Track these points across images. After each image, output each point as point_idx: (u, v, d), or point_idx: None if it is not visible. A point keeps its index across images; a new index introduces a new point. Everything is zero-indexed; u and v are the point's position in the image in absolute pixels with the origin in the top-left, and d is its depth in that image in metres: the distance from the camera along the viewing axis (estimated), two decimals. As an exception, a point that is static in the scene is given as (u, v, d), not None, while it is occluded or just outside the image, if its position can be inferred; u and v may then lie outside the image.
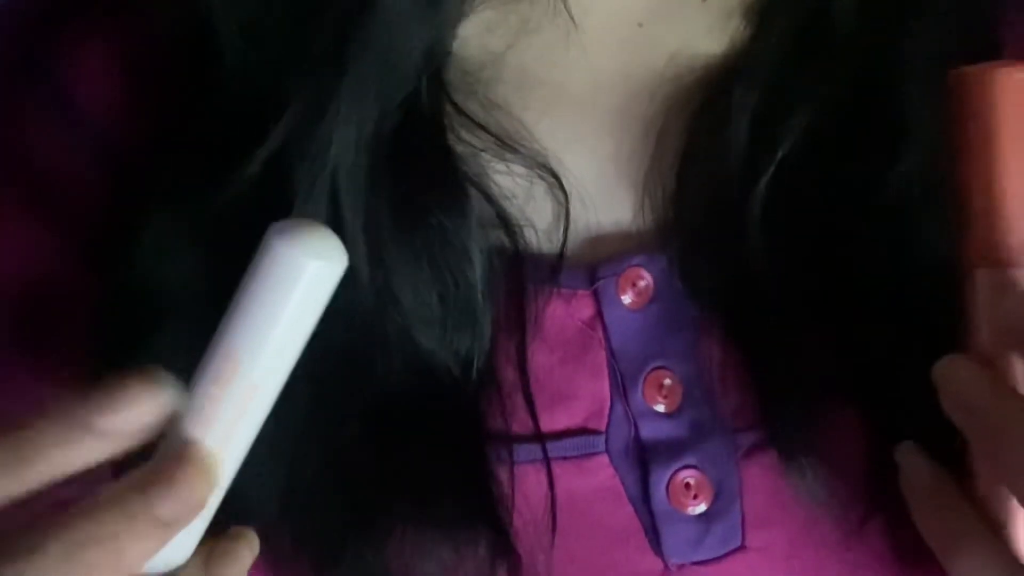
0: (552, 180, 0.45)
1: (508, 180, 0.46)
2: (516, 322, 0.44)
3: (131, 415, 0.33)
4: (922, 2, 0.46)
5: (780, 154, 0.45)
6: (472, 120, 0.45)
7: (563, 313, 0.45)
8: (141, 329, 0.44)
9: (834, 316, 0.44)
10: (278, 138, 0.43)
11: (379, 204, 0.43)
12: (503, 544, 0.42)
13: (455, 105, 0.45)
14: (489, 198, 0.45)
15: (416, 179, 0.44)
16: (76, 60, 0.47)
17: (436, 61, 0.45)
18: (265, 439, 0.38)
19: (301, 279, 0.34)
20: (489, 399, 0.44)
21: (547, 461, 0.43)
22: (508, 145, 0.45)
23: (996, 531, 0.39)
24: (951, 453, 0.41)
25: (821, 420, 0.44)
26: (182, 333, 0.43)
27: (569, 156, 0.46)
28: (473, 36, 0.46)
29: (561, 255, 0.45)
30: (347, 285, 0.37)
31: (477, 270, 0.44)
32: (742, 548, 0.44)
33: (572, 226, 0.46)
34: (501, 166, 0.46)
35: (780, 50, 0.46)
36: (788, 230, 0.45)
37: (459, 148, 0.45)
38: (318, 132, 0.42)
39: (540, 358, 0.45)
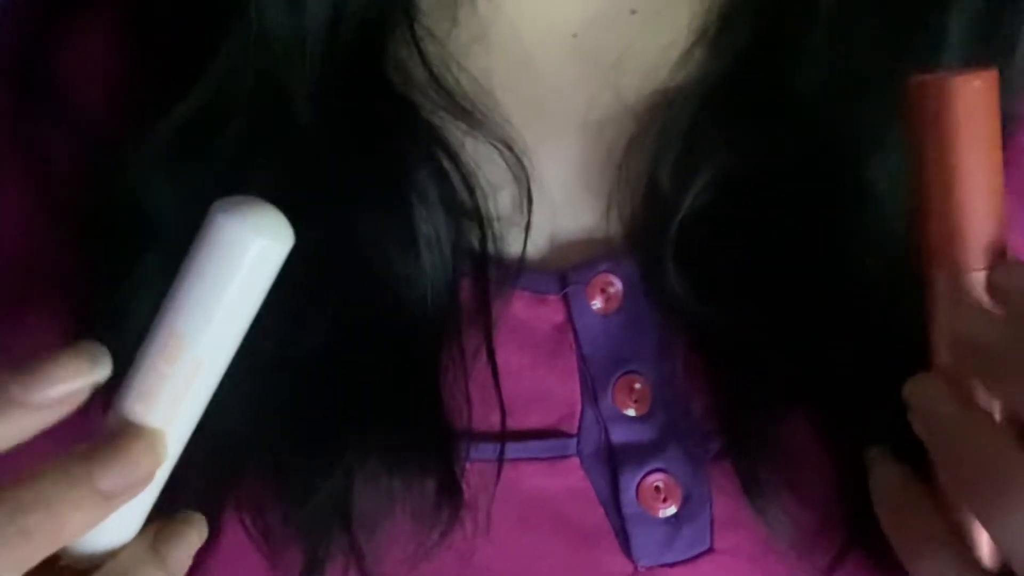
0: (513, 159, 0.46)
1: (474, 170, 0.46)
2: (482, 322, 0.45)
3: (61, 388, 0.34)
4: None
5: (708, 177, 0.45)
6: (440, 84, 0.46)
7: (533, 316, 0.46)
8: (129, 251, 0.44)
9: (794, 332, 0.45)
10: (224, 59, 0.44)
11: (329, 140, 0.45)
12: (451, 483, 0.43)
13: (424, 57, 0.46)
14: (457, 174, 0.46)
15: (365, 121, 0.45)
16: (69, 52, 0.48)
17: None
18: (230, 376, 0.38)
19: (246, 257, 0.34)
20: (455, 381, 0.44)
21: (501, 455, 0.44)
22: (473, 115, 0.46)
23: (959, 536, 0.40)
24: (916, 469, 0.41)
25: (780, 435, 0.44)
26: (166, 257, 0.43)
27: (534, 160, 0.47)
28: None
29: (523, 256, 0.46)
30: (305, 221, 0.36)
31: (429, 220, 0.45)
32: (710, 550, 0.44)
33: (540, 230, 0.47)
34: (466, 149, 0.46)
35: (731, 78, 0.47)
36: (739, 249, 0.46)
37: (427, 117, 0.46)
38: (252, 54, 0.44)
39: (511, 359, 0.45)
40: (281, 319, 0.42)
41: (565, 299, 0.46)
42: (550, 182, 0.47)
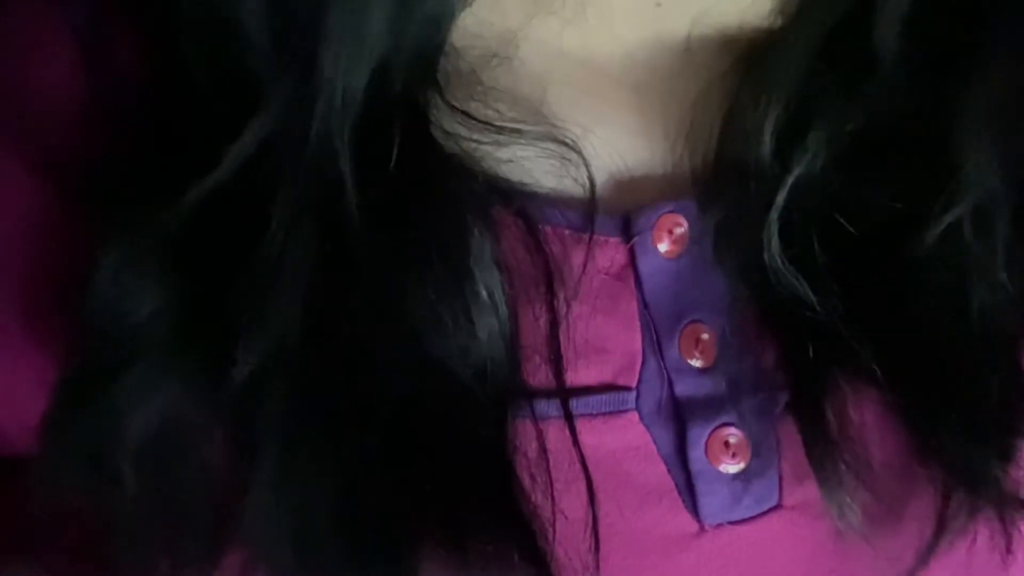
0: (573, 154, 0.42)
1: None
2: (544, 288, 0.41)
3: None
4: (977, 46, 0.43)
5: (806, 160, 0.42)
6: (469, 116, 0.42)
7: (591, 261, 0.42)
8: (109, 367, 0.40)
9: (871, 310, 0.42)
10: (257, 131, 0.39)
11: (374, 214, 0.40)
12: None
13: (447, 102, 0.42)
14: (504, 179, 0.42)
15: (414, 187, 0.41)
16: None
17: (430, 54, 0.41)
18: (271, 482, 0.37)
19: None
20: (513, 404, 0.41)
21: (588, 477, 0.41)
22: (514, 130, 0.42)
23: None
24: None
25: (847, 406, 0.42)
26: (152, 370, 0.40)
27: (600, 128, 0.43)
28: (479, 18, 0.43)
29: (592, 215, 0.42)
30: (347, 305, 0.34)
31: (484, 282, 0.40)
32: (778, 507, 0.42)
33: (602, 173, 0.43)
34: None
35: (812, 50, 0.43)
36: (809, 229, 0.43)
37: (463, 134, 0.42)
38: (301, 123, 0.39)
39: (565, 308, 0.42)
40: (322, 420, 0.39)
41: (630, 241, 0.42)
42: (615, 135, 0.43)
